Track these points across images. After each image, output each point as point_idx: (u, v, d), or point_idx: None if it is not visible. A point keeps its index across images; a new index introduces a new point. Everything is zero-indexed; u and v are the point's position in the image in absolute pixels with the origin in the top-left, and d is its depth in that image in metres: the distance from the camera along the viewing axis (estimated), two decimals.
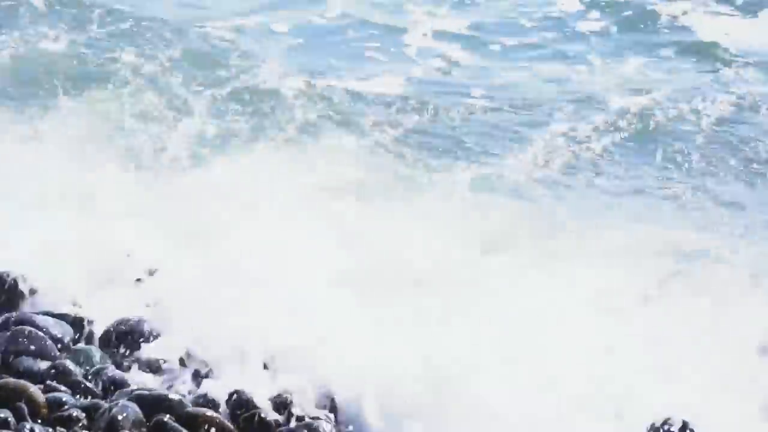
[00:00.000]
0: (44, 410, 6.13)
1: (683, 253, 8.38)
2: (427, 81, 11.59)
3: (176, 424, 6.06)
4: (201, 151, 9.50)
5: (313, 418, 6.28)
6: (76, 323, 6.95)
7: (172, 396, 6.28)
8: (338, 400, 6.47)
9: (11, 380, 6.25)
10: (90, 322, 7.04)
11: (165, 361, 6.70)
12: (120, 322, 6.97)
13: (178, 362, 6.71)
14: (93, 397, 6.32)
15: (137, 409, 6.06)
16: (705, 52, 12.44)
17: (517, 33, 12.71)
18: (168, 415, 6.11)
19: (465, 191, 9.29)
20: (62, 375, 6.45)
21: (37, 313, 6.97)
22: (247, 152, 9.51)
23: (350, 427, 6.38)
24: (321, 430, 6.19)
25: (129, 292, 7.31)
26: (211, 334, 6.83)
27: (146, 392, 6.30)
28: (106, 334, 6.95)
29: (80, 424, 6.05)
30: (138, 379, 6.54)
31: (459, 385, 6.52)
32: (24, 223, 7.79)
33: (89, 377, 6.48)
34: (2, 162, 8.73)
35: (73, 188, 8.33)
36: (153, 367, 6.67)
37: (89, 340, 6.93)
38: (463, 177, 9.52)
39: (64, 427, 6.02)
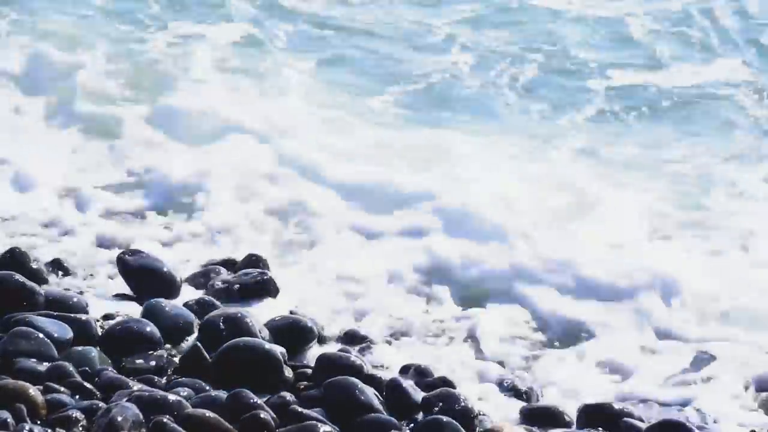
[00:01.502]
0: (43, 411, 6.12)
1: None
2: None
3: (176, 425, 6.03)
4: None
5: (311, 420, 6.28)
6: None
7: (172, 397, 6.27)
8: None
9: (10, 381, 6.24)
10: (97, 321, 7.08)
11: None
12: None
13: None
14: (92, 398, 6.32)
15: (136, 410, 6.04)
16: None
17: None
18: (167, 416, 6.08)
19: None
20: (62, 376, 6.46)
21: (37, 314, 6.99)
22: None
23: None
24: (319, 431, 6.20)
25: None
26: None
27: (146, 393, 6.28)
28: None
29: (79, 425, 6.03)
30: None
31: None
32: None
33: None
34: None
35: None
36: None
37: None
38: None
39: (63, 428, 6.00)
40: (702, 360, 7.67)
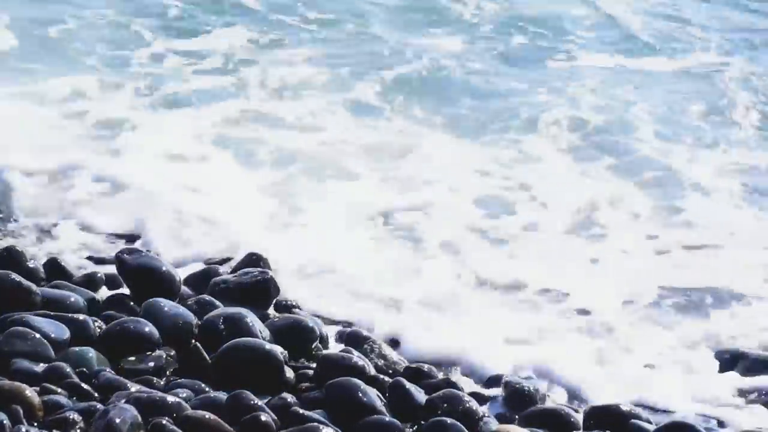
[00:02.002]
0: (40, 413, 6.04)
1: None
2: None
3: (175, 428, 5.96)
4: None
5: (313, 422, 6.20)
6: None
7: (171, 398, 6.20)
8: None
9: (7, 382, 6.17)
10: (94, 321, 6.99)
11: None
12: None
13: None
14: (90, 400, 6.24)
15: (135, 411, 5.96)
16: None
17: None
18: (166, 418, 6.01)
19: None
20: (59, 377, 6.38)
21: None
22: None
23: None
24: None
25: None
26: None
27: (144, 394, 6.21)
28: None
29: (77, 427, 5.95)
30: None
31: None
32: None
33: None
34: None
35: None
36: None
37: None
38: None
39: (60, 430, 5.92)
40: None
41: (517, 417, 6.77)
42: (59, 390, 6.26)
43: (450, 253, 8.90)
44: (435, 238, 9.11)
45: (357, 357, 6.88)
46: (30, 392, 6.08)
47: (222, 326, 6.97)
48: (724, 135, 11.47)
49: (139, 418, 5.94)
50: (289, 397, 6.45)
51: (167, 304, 7.15)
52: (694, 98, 12.23)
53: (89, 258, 8.47)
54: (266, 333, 7.06)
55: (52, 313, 6.93)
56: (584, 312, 8.17)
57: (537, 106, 11.76)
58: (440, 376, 7.01)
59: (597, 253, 9.07)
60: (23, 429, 5.81)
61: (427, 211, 9.55)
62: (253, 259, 8.14)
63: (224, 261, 8.27)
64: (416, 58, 12.75)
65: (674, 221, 9.71)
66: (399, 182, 10.06)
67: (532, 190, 10.05)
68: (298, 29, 13.53)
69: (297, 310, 7.75)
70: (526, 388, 6.93)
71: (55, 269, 7.81)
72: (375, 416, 6.35)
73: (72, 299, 7.22)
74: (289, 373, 6.77)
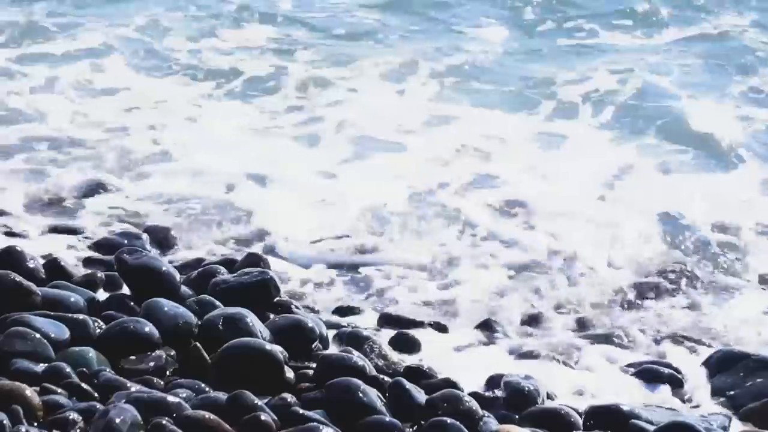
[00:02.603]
0: (40, 413, 6.04)
1: None
2: None
3: (175, 428, 5.95)
4: None
5: (313, 422, 6.20)
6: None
7: (171, 398, 6.19)
8: None
9: (7, 382, 6.16)
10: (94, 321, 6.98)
11: None
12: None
13: None
14: (90, 400, 6.23)
15: (135, 411, 5.96)
16: None
17: None
18: (166, 418, 6.01)
19: None
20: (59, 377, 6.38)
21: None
22: None
23: None
24: None
25: None
26: None
27: (144, 394, 6.20)
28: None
29: (77, 427, 5.94)
30: None
31: None
32: None
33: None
34: None
35: None
36: None
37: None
38: None
39: (60, 430, 5.91)
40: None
41: (517, 417, 6.75)
42: (59, 390, 6.25)
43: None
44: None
45: (357, 357, 6.87)
46: (30, 392, 6.07)
47: (222, 326, 6.97)
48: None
49: (139, 418, 5.93)
50: (289, 397, 6.44)
51: (167, 304, 7.15)
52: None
53: (88, 258, 8.49)
54: (266, 333, 7.06)
55: (52, 313, 6.93)
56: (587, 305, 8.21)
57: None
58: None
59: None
60: (23, 429, 5.80)
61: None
62: (253, 259, 8.13)
63: (225, 261, 8.26)
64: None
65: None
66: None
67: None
68: None
69: (296, 309, 7.74)
70: (526, 388, 6.92)
71: (55, 269, 7.82)
72: (375, 416, 6.34)
73: (72, 299, 7.22)
74: (289, 373, 6.77)
